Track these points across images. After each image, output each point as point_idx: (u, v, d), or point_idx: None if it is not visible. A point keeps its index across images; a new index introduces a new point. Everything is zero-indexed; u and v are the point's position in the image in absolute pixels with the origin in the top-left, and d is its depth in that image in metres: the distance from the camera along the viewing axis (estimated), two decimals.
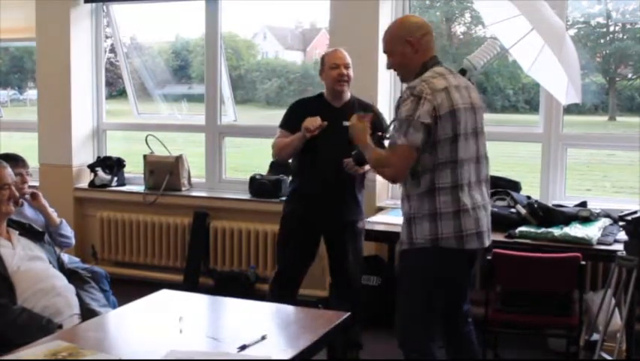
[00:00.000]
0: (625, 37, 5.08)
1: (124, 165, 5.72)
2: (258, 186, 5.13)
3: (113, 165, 5.65)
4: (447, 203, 2.79)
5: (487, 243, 2.93)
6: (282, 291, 3.86)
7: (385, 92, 4.81)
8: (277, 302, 3.10)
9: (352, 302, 3.77)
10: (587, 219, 3.84)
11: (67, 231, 3.91)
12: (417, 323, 2.91)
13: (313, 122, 3.62)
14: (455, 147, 2.78)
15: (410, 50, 2.89)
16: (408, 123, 2.73)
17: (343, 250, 3.83)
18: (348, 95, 3.79)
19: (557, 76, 3.54)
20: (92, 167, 5.66)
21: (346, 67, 3.73)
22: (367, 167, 3.49)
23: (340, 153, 3.52)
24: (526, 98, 5.31)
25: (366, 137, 2.98)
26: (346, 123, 3.42)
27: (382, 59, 4.67)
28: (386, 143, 3.10)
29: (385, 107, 4.78)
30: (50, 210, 3.86)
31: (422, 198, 2.81)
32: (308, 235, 3.85)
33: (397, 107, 2.86)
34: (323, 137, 3.63)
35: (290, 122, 3.79)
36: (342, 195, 3.75)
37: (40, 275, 2.83)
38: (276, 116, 4.99)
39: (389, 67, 3.03)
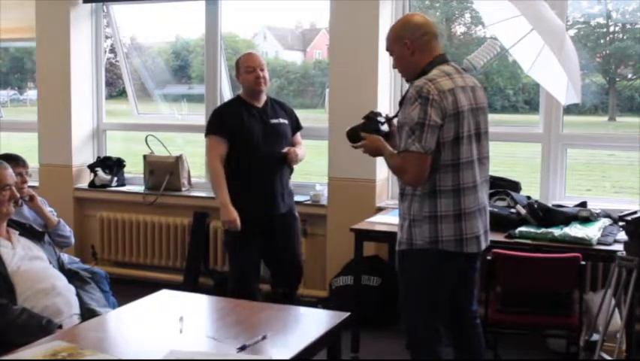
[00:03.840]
0: (625, 37, 5.08)
1: (124, 165, 5.72)
2: None
3: (113, 165, 5.65)
4: (448, 206, 2.78)
5: (483, 246, 2.93)
6: (254, 289, 4.06)
7: (385, 92, 4.81)
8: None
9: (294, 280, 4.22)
10: (587, 220, 3.84)
11: (66, 231, 3.91)
12: (422, 325, 2.91)
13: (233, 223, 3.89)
14: (457, 149, 2.77)
15: (407, 52, 2.86)
16: (421, 128, 2.69)
17: (289, 235, 4.10)
18: (265, 95, 4.07)
19: (557, 76, 3.54)
20: (92, 167, 5.66)
21: (261, 69, 3.98)
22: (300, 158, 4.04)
23: (273, 148, 3.96)
24: (526, 98, 5.30)
25: (384, 146, 2.94)
26: (274, 121, 4.01)
27: (382, 59, 4.71)
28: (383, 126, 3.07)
29: (385, 108, 4.78)
30: (48, 210, 3.86)
31: (423, 199, 2.80)
32: (256, 227, 3.98)
33: (401, 103, 2.85)
34: (257, 135, 3.94)
35: (223, 128, 3.96)
36: (280, 185, 4.01)
37: (40, 275, 2.84)
38: None
39: (394, 66, 3.00)
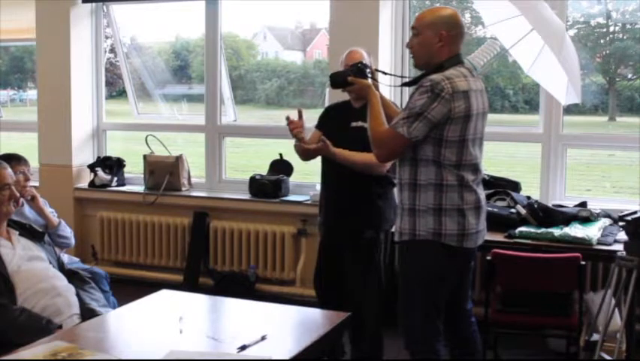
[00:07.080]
0: (625, 37, 5.08)
1: (124, 165, 5.72)
2: (258, 187, 5.13)
3: (113, 165, 5.65)
4: (453, 200, 2.80)
5: (479, 242, 2.94)
6: (321, 294, 3.77)
7: (385, 92, 4.79)
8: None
9: (365, 342, 3.56)
10: (587, 220, 3.84)
11: (67, 232, 3.91)
12: (421, 322, 2.91)
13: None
14: (461, 150, 2.80)
15: (437, 42, 2.86)
16: (417, 117, 2.74)
17: (348, 259, 3.57)
18: None
19: (557, 76, 3.55)
20: (92, 167, 5.66)
21: None
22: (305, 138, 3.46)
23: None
24: (526, 98, 5.30)
25: (374, 93, 2.98)
26: (354, 124, 3.53)
27: (382, 59, 4.70)
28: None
29: None
30: (49, 210, 3.86)
31: (427, 190, 2.82)
32: (330, 242, 3.70)
33: (406, 85, 3.02)
34: (335, 138, 3.51)
35: (320, 124, 3.75)
36: (357, 199, 3.54)
37: (40, 275, 2.83)
38: (275, 116, 4.99)
39: (408, 45, 2.98)
